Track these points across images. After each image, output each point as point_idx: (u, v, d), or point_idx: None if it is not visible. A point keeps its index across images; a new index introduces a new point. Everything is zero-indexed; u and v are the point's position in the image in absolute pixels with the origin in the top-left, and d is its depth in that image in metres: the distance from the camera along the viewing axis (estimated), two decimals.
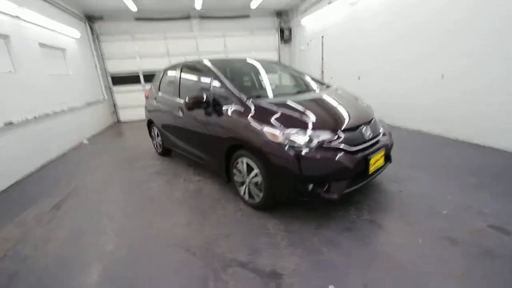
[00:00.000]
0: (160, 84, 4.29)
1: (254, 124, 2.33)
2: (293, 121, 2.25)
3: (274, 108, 2.40)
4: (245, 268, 1.84)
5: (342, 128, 2.26)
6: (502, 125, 3.58)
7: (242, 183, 2.65)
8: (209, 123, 2.87)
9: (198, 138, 3.19)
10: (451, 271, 1.68)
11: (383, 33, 5.47)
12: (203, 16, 9.08)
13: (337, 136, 2.20)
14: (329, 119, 2.35)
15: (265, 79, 3.31)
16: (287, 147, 2.12)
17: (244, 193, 2.66)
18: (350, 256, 1.88)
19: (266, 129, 2.24)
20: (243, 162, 2.52)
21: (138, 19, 8.50)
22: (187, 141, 3.53)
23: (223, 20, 9.32)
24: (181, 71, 3.67)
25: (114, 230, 2.43)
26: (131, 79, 8.83)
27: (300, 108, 2.39)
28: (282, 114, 2.32)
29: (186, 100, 2.88)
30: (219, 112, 2.72)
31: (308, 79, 3.54)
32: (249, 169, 2.48)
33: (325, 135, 2.17)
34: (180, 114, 3.43)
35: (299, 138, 2.14)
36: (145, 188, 3.30)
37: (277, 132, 2.19)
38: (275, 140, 2.17)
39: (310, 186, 2.14)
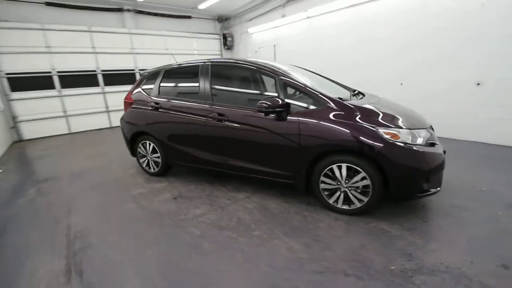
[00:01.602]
0: (160, 88, 3.44)
1: (366, 126, 2.24)
2: (395, 121, 2.31)
3: (374, 108, 2.39)
4: (423, 273, 1.75)
5: (428, 126, 2.49)
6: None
7: (333, 191, 2.48)
8: (282, 130, 2.54)
9: (253, 148, 2.76)
10: None
11: (335, 43, 6.26)
12: (139, 11, 7.83)
13: (430, 133, 2.41)
14: (415, 119, 2.52)
15: (315, 82, 3.20)
16: (411, 146, 2.16)
17: (336, 200, 2.50)
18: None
19: (383, 130, 2.20)
20: (340, 168, 2.37)
21: (49, 4, 6.46)
22: (226, 153, 2.97)
23: (162, 18, 8.34)
24: (210, 73, 3.04)
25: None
26: (40, 81, 6.56)
27: (384, 109, 2.47)
28: (385, 114, 2.34)
29: (261, 105, 2.46)
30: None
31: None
32: (348, 174, 2.35)
33: (425, 133, 2.34)
34: (215, 122, 2.86)
35: (420, 136, 2.23)
36: (201, 224, 2.55)
37: (395, 131, 2.19)
38: (396, 140, 2.17)
39: (425, 181, 2.25)
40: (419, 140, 2.24)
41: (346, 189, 2.40)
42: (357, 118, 2.29)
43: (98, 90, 7.44)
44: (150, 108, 3.42)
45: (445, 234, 2.16)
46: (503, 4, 3.86)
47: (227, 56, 9.89)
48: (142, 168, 3.81)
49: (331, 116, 2.36)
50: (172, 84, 3.47)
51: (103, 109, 7.62)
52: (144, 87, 3.60)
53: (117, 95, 7.70)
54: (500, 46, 3.96)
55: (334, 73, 4.54)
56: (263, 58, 7.84)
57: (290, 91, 2.67)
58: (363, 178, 2.30)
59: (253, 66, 2.83)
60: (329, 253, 2.00)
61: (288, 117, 2.50)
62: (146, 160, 3.69)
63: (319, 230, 2.30)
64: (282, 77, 2.62)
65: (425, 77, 4.88)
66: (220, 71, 3.05)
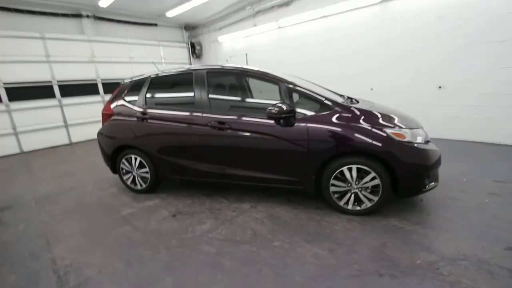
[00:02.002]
0: (146, 98, 3.17)
1: (375, 128, 2.33)
2: (397, 122, 2.45)
3: (376, 111, 2.50)
4: (447, 263, 1.84)
5: (422, 127, 2.69)
6: None
7: (343, 193, 2.52)
8: (290, 136, 2.51)
9: (258, 155, 2.69)
10: None
11: (308, 52, 6.57)
12: (100, 17, 7.27)
13: (425, 133, 2.61)
14: (411, 120, 2.70)
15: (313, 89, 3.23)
16: (415, 144, 2.30)
17: (347, 202, 2.54)
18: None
19: (390, 131, 2.31)
20: (351, 170, 2.42)
21: None
22: (228, 162, 2.83)
23: (126, 25, 7.86)
24: (206, 80, 2.90)
25: None
26: None
27: (383, 112, 2.61)
28: (386, 116, 2.46)
29: (270, 112, 2.42)
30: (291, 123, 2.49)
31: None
32: (358, 175, 2.41)
33: (422, 132, 2.52)
34: (216, 131, 2.73)
35: (419, 135, 2.38)
36: (213, 240, 2.36)
37: (402, 132, 2.32)
38: (402, 140, 2.29)
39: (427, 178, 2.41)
40: (419, 139, 2.40)
41: (357, 190, 2.46)
42: (365, 121, 2.37)
43: (54, 103, 6.65)
44: (135, 119, 3.13)
45: (451, 224, 2.32)
46: (454, 18, 4.44)
47: (196, 64, 9.69)
48: (127, 185, 3.45)
49: (339, 120, 2.41)
50: (161, 93, 3.25)
51: (60, 123, 6.81)
52: (128, 97, 3.29)
53: (78, 108, 6.97)
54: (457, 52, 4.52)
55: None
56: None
57: (292, 97, 2.67)
58: (373, 178, 2.37)
59: (253, 73, 2.78)
60: (355, 255, 2.00)
61: (295, 123, 2.49)
62: (131, 177, 3.35)
63: (337, 233, 2.30)
64: (286, 84, 2.61)
65: (394, 83, 5.34)
66: (216, 79, 2.94)
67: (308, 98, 2.57)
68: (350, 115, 2.42)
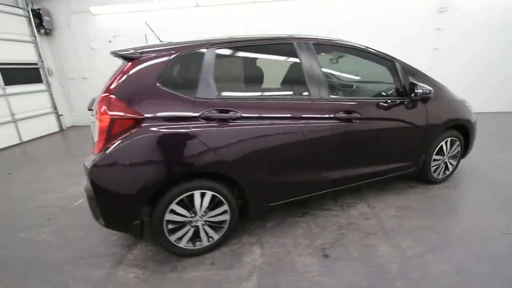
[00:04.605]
0: (216, 82, 1.78)
1: (463, 102, 2.69)
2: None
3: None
4: None
5: None
6: None
7: (438, 166, 2.74)
8: (413, 118, 2.38)
9: (382, 147, 2.36)
10: None
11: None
12: None
13: None
14: None
15: None
16: None
17: (437, 170, 2.77)
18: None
19: (468, 104, 2.75)
20: (446, 142, 2.67)
21: None
22: (349, 163, 2.24)
23: None
24: (315, 55, 2.02)
25: None
26: None
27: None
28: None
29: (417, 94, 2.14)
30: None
31: None
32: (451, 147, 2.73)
33: None
34: (341, 124, 2.06)
35: None
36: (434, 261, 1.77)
37: (470, 104, 2.82)
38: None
39: None
40: None
41: (446, 159, 2.76)
42: (455, 97, 2.68)
43: None
44: (203, 123, 1.71)
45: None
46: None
47: (45, 44, 6.26)
48: (173, 249, 1.85)
49: (444, 97, 2.57)
50: (238, 75, 1.95)
51: None
52: (168, 85, 1.69)
53: None
54: None
55: None
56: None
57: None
58: (458, 146, 2.76)
59: (365, 50, 2.30)
60: None
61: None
62: (191, 230, 1.84)
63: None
64: (399, 63, 2.39)
65: None
66: (328, 54, 2.17)
67: (420, 77, 2.49)
68: (444, 93, 2.63)
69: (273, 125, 1.86)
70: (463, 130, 2.73)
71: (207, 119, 1.70)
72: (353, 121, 2.11)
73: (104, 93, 1.59)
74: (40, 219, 2.54)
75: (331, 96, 2.08)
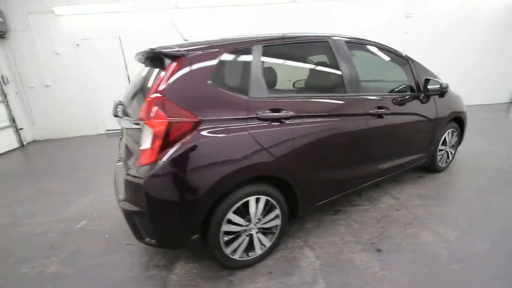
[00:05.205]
0: (265, 81, 1.70)
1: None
2: None
3: None
4: None
5: None
6: None
7: (442, 155, 2.98)
8: (426, 111, 2.57)
9: (403, 141, 2.50)
10: None
11: None
12: None
13: None
14: None
15: None
16: None
17: (441, 159, 3.01)
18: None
19: None
20: (454, 131, 2.96)
21: None
22: (376, 158, 2.31)
23: None
24: (347, 54, 2.06)
25: None
26: None
27: None
28: None
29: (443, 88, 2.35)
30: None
31: None
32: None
33: None
34: (373, 120, 2.13)
35: None
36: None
37: None
38: None
39: None
40: None
41: (448, 149, 3.02)
42: (453, 92, 2.94)
43: None
44: (257, 123, 1.61)
45: None
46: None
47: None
48: (227, 262, 1.71)
49: (449, 91, 2.79)
50: (285, 72, 1.89)
51: None
52: (218, 84, 1.56)
53: None
54: None
55: None
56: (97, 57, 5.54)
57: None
58: (456, 136, 3.05)
59: (385, 49, 2.41)
60: None
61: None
62: (246, 239, 1.72)
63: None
64: (414, 62, 2.55)
65: None
66: (357, 52, 2.21)
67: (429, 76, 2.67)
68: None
69: (321, 122, 1.84)
70: (459, 121, 3.01)
71: (262, 119, 1.61)
72: (383, 116, 2.19)
73: (153, 94, 1.41)
74: (40, 249, 2.16)
75: (364, 92, 2.13)
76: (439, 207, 2.40)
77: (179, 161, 1.38)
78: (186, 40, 1.98)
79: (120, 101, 2.02)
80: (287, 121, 1.70)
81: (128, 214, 1.52)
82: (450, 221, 2.18)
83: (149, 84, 1.57)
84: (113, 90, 5.98)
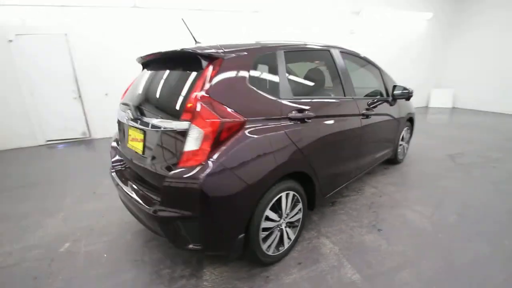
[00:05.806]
0: (289, 83, 1.82)
1: None
2: None
3: None
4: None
5: None
6: None
7: (400, 150, 3.57)
8: (393, 112, 3.06)
9: (377, 139, 2.90)
10: None
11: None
12: None
13: None
14: None
15: None
16: None
17: (400, 153, 3.60)
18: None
19: None
20: (408, 129, 3.57)
21: None
22: (360, 155, 2.62)
23: None
24: (343, 62, 2.36)
25: None
26: None
27: None
28: None
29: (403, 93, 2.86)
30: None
31: None
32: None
33: None
34: (363, 120, 2.46)
35: None
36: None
37: None
38: None
39: None
40: None
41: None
42: None
43: None
44: (288, 122, 1.73)
45: None
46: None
47: None
48: (262, 258, 1.74)
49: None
50: (295, 77, 2.02)
51: None
52: (253, 85, 1.61)
53: None
54: None
55: None
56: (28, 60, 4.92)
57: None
58: (410, 133, 3.69)
59: (362, 58, 2.79)
60: None
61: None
62: (278, 234, 1.80)
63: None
64: (382, 70, 3.02)
65: None
66: (347, 61, 2.49)
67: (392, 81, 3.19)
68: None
69: (333, 121, 2.07)
70: (411, 121, 3.66)
71: (292, 119, 1.73)
72: (369, 116, 2.54)
73: (200, 93, 1.40)
74: (22, 283, 1.79)
75: (357, 95, 2.45)
76: (410, 191, 2.89)
77: (233, 160, 1.39)
78: (198, 42, 1.96)
79: (126, 103, 1.88)
80: (310, 121, 1.85)
81: (167, 222, 1.43)
82: (423, 201, 2.65)
83: (181, 85, 1.53)
84: (55, 96, 5.23)
